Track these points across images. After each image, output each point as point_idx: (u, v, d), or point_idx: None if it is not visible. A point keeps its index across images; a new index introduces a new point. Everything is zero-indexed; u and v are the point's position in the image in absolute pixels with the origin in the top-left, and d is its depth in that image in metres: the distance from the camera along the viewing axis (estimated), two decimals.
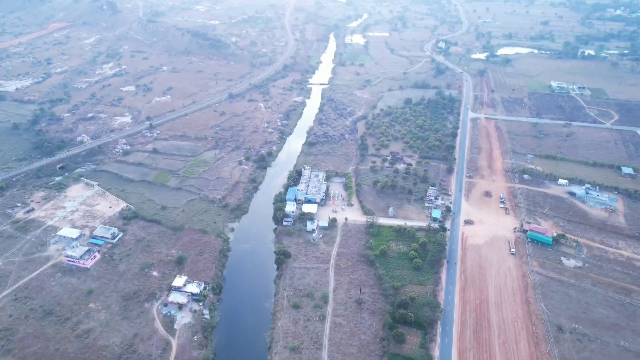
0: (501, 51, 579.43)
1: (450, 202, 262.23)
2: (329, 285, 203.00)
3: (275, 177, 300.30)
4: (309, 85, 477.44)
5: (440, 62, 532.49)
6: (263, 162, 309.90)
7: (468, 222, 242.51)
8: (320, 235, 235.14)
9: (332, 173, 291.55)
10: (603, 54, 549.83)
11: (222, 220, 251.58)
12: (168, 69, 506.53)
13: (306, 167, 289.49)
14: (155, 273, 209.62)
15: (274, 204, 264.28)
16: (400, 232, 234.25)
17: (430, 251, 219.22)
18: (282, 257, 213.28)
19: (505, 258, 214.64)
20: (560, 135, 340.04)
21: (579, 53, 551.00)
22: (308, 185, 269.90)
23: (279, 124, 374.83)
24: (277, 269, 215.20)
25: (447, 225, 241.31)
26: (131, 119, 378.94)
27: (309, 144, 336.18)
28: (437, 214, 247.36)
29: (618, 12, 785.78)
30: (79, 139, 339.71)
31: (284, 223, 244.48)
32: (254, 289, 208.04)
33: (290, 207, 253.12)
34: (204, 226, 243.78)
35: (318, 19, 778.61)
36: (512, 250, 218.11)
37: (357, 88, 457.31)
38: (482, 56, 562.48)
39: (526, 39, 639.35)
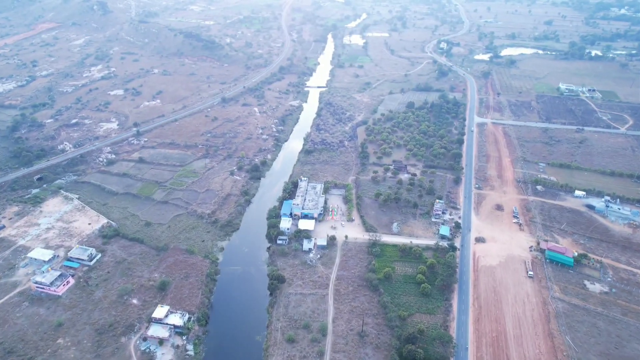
0: (505, 52, 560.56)
1: (459, 217, 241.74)
2: (328, 314, 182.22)
3: (270, 189, 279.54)
4: (306, 88, 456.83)
5: (442, 63, 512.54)
6: (257, 172, 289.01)
7: (479, 240, 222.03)
8: (318, 256, 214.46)
9: (331, 184, 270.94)
10: (610, 55, 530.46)
11: (211, 238, 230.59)
12: (159, 72, 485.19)
13: (303, 178, 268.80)
14: (135, 300, 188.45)
15: (267, 219, 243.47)
16: (406, 252, 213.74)
17: (439, 274, 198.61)
18: (276, 283, 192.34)
19: (523, 282, 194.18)
20: (573, 142, 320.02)
21: (585, 54, 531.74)
22: (305, 199, 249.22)
23: (274, 130, 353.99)
24: (270, 294, 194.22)
25: (457, 243, 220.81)
26: (117, 125, 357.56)
27: (305, 151, 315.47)
28: (445, 230, 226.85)
29: (622, 11, 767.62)
30: (60, 147, 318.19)
31: (279, 242, 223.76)
32: (244, 319, 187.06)
33: (285, 224, 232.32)
34: (191, 245, 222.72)
35: (315, 19, 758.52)
36: (530, 272, 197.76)
37: (357, 91, 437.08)
38: (486, 57, 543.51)
39: (530, 39, 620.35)
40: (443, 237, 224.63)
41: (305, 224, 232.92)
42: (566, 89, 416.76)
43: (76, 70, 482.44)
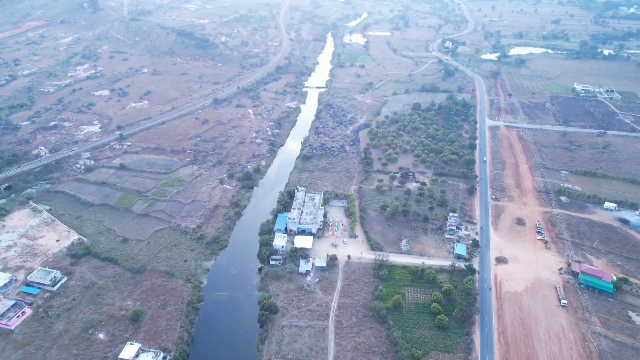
0: (513, 51, 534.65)
1: (476, 233, 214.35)
2: (328, 352, 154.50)
3: (263, 199, 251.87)
4: (304, 89, 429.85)
5: (448, 63, 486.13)
6: (249, 180, 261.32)
7: (501, 261, 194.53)
8: (317, 279, 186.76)
9: (331, 195, 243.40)
10: (625, 54, 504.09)
11: (195, 257, 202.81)
12: (149, 71, 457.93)
13: (300, 188, 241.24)
14: (101, 335, 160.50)
15: (259, 235, 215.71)
16: (418, 275, 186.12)
17: (457, 303, 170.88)
18: (267, 314, 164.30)
19: (555, 312, 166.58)
20: (596, 147, 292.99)
21: (598, 53, 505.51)
22: (302, 212, 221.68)
23: (270, 133, 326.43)
24: (261, 327, 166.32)
25: (475, 264, 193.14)
26: (100, 128, 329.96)
27: (303, 157, 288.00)
28: (461, 249, 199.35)
29: (632, 10, 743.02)
30: (35, 152, 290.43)
31: (272, 262, 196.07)
32: (230, 357, 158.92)
33: (279, 241, 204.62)
34: (171, 266, 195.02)
35: (315, 18, 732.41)
36: (563, 300, 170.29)
37: (358, 92, 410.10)
38: (493, 56, 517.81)
39: (538, 39, 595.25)
40: (459, 256, 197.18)
41: (302, 241, 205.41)
42: (582, 89, 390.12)
43: (60, 69, 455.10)
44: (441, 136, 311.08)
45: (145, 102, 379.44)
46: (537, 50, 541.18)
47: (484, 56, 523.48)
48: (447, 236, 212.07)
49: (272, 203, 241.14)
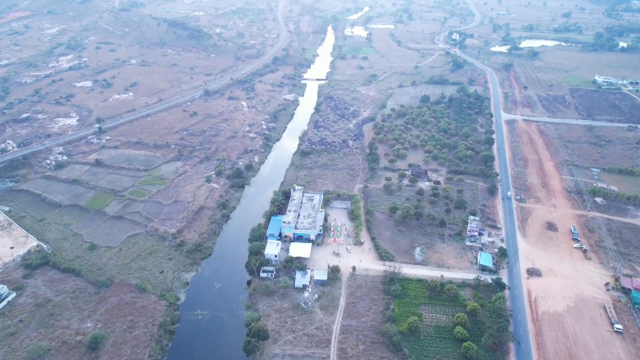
0: (524, 44, 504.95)
1: (502, 240, 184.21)
2: None
3: (255, 200, 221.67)
4: (303, 81, 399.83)
5: (456, 55, 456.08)
6: (239, 178, 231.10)
7: (533, 273, 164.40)
8: (316, 296, 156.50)
9: (333, 195, 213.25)
10: None
11: (173, 267, 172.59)
12: (137, 62, 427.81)
13: (296, 187, 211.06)
14: None
15: (249, 242, 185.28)
16: (436, 291, 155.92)
17: (486, 327, 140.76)
18: (255, 341, 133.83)
19: (608, 340, 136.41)
20: (628, 142, 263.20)
21: (616, 45, 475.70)
22: (299, 214, 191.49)
23: (264, 127, 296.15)
24: (248, 355, 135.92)
25: (503, 277, 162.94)
26: (77, 120, 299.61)
27: (301, 153, 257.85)
28: (486, 259, 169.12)
29: None
30: (2, 145, 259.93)
31: (262, 274, 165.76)
32: None
33: (271, 249, 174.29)
34: (144, 279, 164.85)
35: (314, 11, 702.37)
36: (617, 325, 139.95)
37: (361, 84, 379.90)
38: (503, 49, 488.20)
39: (549, 32, 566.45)
40: (484, 268, 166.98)
41: (298, 249, 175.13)
42: (604, 81, 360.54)
43: (42, 60, 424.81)
44: (454, 130, 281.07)
45: (130, 93, 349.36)
46: (549, 43, 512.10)
47: (493, 48, 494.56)
48: (467, 243, 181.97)
49: (264, 204, 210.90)
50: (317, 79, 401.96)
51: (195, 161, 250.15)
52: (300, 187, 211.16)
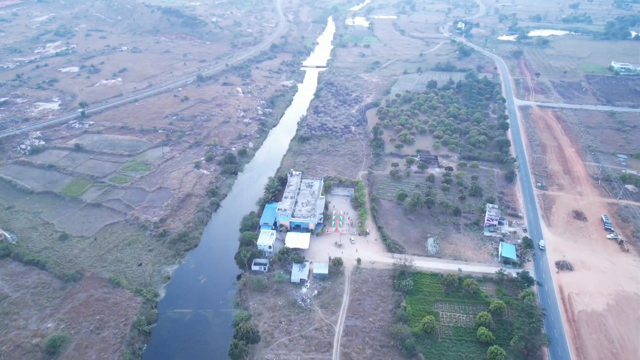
0: (532, 33, 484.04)
1: (524, 230, 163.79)
2: None
3: (248, 187, 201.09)
4: (302, 68, 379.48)
5: (463, 43, 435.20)
6: (231, 164, 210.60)
7: (563, 267, 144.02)
8: (315, 292, 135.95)
9: (334, 182, 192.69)
10: None
11: (153, 259, 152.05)
12: (128, 49, 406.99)
13: (294, 173, 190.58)
14: None
15: (241, 231, 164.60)
16: (454, 286, 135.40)
17: (515, 328, 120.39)
18: (243, 344, 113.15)
19: None
20: None
21: (629, 34, 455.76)
22: (296, 201, 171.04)
23: (260, 112, 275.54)
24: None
25: (530, 270, 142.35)
26: (59, 105, 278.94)
27: (300, 139, 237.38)
28: (509, 251, 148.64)
29: None
30: None
31: (254, 267, 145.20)
32: None
33: (265, 239, 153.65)
34: (119, 272, 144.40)
35: (315, 2, 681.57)
36: None
37: (364, 71, 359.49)
38: (511, 38, 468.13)
39: (558, 22, 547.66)
40: (506, 260, 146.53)
41: (295, 240, 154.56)
42: (621, 68, 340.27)
43: (27, 46, 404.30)
44: (464, 116, 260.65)
45: (119, 79, 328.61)
46: (559, 33, 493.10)
47: (501, 37, 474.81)
48: (486, 233, 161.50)
49: (258, 192, 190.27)
50: (317, 67, 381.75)
51: (184, 146, 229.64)
52: (298, 173, 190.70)
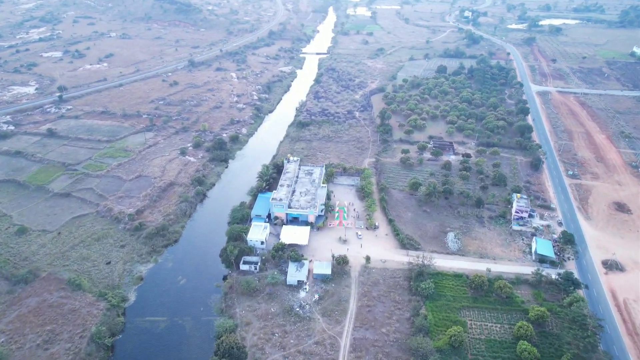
0: (543, 22, 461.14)
1: (559, 223, 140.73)
2: None
3: (240, 176, 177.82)
4: (301, 55, 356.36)
5: (471, 30, 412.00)
6: (221, 150, 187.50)
7: (612, 267, 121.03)
8: (316, 296, 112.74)
9: (337, 170, 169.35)
10: None
11: (125, 257, 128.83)
12: (117, 35, 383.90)
13: (292, 159, 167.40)
14: None
15: (229, 224, 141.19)
16: (482, 290, 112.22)
17: (564, 342, 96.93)
18: None
19: None
20: None
21: None
22: (294, 190, 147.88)
23: (255, 97, 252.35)
24: None
25: (572, 270, 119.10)
26: (36, 89, 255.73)
27: (298, 124, 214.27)
28: (546, 247, 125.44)
29: None
30: None
31: (243, 267, 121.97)
32: None
33: (256, 234, 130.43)
34: (82, 272, 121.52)
35: None
36: None
37: (367, 57, 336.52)
38: (521, 27, 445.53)
39: (568, 11, 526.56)
40: (543, 259, 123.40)
41: (292, 234, 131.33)
42: None
43: (9, 31, 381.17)
44: (479, 101, 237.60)
45: (105, 64, 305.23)
46: (570, 22, 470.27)
47: (510, 26, 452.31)
48: (515, 227, 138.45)
49: (251, 181, 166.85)
50: (318, 53, 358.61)
51: (170, 132, 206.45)
52: (296, 159, 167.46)
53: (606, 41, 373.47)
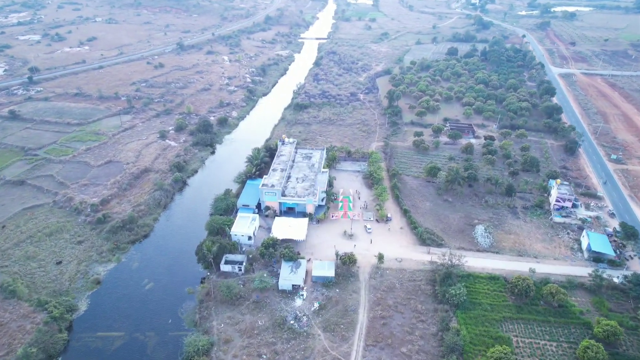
0: (555, 9, 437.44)
1: (611, 213, 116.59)
2: None
3: (228, 162, 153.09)
4: (300, 39, 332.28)
5: (480, 16, 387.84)
6: (206, 133, 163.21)
7: None
8: (316, 305, 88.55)
9: (341, 154, 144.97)
10: None
11: (81, 255, 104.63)
12: (103, 20, 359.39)
13: (286, 140, 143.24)
14: None
15: (211, 215, 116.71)
16: (526, 296, 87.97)
17: None
18: None
19: None
20: None
21: None
22: (289, 176, 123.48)
23: (249, 80, 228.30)
24: None
25: (638, 270, 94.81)
26: (5, 71, 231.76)
27: (296, 106, 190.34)
28: (601, 243, 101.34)
29: None
30: None
31: (225, 267, 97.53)
32: None
33: (242, 227, 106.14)
34: (24, 275, 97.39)
35: None
36: None
37: (371, 42, 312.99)
38: (533, 13, 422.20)
39: None
40: (598, 257, 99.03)
41: (287, 228, 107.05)
42: None
43: None
44: (496, 82, 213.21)
45: (86, 47, 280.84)
46: (584, 9, 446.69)
47: (520, 13, 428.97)
48: (556, 219, 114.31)
49: (239, 167, 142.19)
50: (317, 38, 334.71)
51: (150, 115, 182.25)
52: (292, 140, 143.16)
53: (626, 25, 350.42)
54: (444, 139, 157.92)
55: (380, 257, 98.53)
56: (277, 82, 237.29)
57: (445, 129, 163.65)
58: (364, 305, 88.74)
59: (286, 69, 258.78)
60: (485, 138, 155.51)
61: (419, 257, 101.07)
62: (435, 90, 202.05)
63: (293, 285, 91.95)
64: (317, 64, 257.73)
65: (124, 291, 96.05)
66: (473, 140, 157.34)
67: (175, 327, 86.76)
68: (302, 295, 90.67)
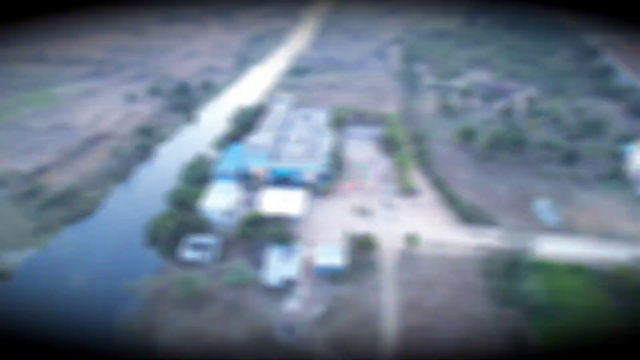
0: None
1: None
2: None
3: (209, 130, 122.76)
4: (300, 13, 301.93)
5: None
6: (184, 96, 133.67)
7: None
8: (318, 309, 58.29)
9: (351, 116, 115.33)
10: None
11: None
12: None
13: (281, 97, 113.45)
14: None
15: (179, 186, 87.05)
16: (628, 293, 57.46)
17: None
18: None
19: None
20: None
21: None
22: (284, 136, 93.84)
23: (239, 47, 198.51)
24: None
25: None
26: None
27: (295, 71, 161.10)
28: None
29: None
30: None
31: (188, 254, 67.78)
32: None
33: (216, 199, 77.10)
34: None
35: None
36: None
37: (378, 17, 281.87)
38: None
39: None
40: None
41: (278, 201, 77.59)
42: None
43: None
44: (528, 49, 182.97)
45: None
46: None
47: None
48: None
49: (220, 129, 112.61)
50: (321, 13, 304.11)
51: (119, 79, 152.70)
52: (288, 96, 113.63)
53: None
54: (477, 100, 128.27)
55: (412, 240, 68.94)
56: (274, 50, 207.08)
57: (476, 90, 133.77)
58: (391, 309, 59.29)
59: (285, 38, 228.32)
60: (529, 98, 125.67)
61: (463, 239, 71.68)
62: (457, 56, 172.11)
63: (284, 279, 62.51)
64: (320, 32, 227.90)
65: (42, 288, 66.80)
66: (514, 101, 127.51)
67: (108, 343, 57.38)
68: (298, 294, 61.24)
